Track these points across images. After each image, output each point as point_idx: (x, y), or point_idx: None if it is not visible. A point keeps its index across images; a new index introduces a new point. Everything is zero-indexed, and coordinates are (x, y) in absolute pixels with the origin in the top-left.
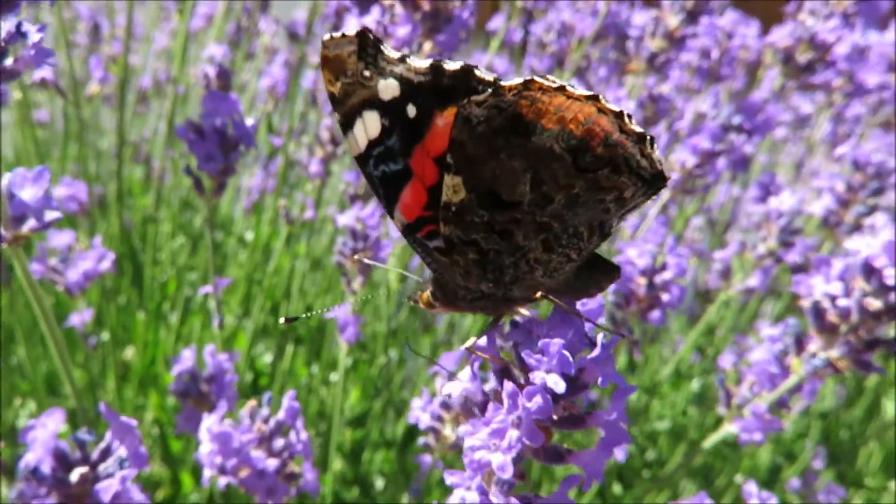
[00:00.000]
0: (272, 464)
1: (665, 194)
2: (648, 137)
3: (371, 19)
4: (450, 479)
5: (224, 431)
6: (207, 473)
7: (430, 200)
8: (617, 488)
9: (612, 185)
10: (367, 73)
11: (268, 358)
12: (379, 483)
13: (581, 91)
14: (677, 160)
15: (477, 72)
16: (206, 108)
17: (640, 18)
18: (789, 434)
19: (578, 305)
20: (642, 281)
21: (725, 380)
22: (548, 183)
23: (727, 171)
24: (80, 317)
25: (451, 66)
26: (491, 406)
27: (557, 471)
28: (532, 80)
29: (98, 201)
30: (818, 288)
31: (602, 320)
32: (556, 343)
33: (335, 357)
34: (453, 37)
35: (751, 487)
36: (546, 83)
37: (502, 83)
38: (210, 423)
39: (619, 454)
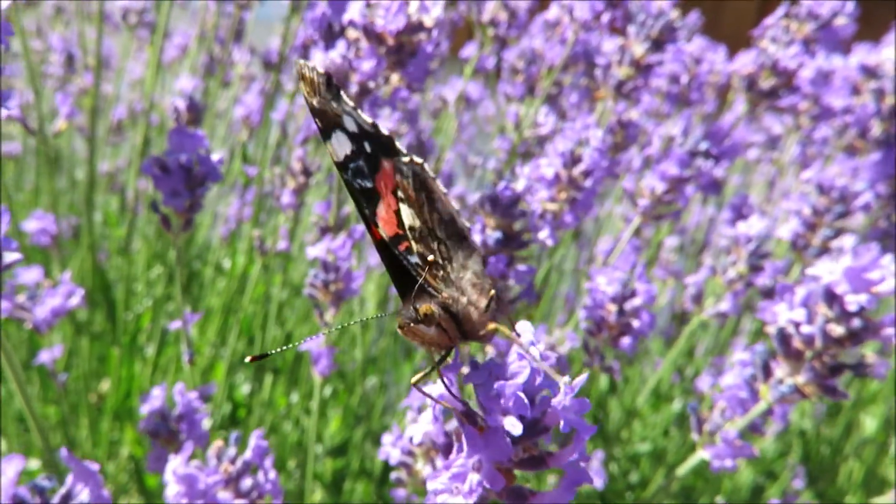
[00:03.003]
0: None
1: (636, 220)
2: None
3: (337, 53)
4: None
5: (189, 473)
6: None
7: (398, 222)
8: None
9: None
10: (333, 105)
11: (246, 388)
12: None
13: (433, 177)
14: (646, 186)
15: (396, 143)
16: (172, 145)
17: (609, 46)
18: (770, 453)
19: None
20: (612, 308)
21: (698, 406)
22: (451, 237)
23: (699, 195)
24: (51, 353)
25: (384, 131)
26: (455, 447)
27: None
28: (417, 161)
29: (73, 233)
30: (782, 315)
31: (553, 357)
32: (511, 385)
33: (313, 386)
34: (420, 69)
35: None
36: (427, 169)
37: (409, 156)
38: (176, 465)
39: (598, 482)
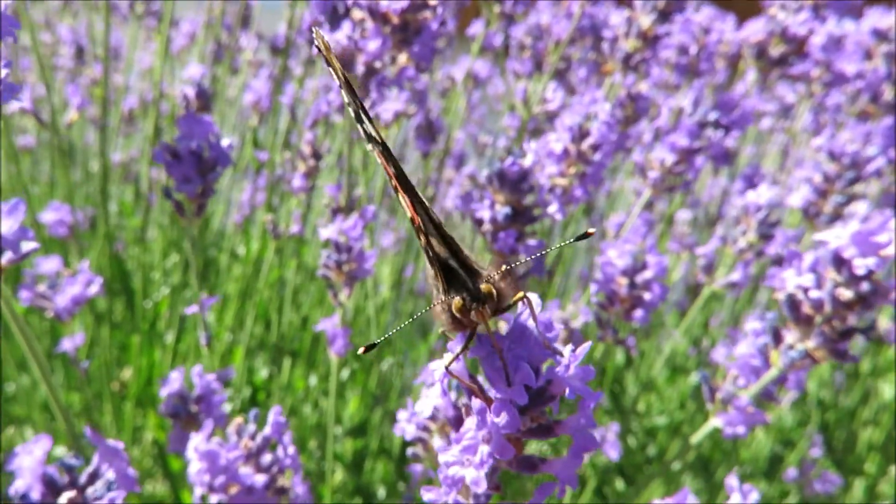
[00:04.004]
0: (260, 479)
1: (647, 192)
2: None
3: (342, 34)
4: (427, 495)
5: (211, 450)
6: (198, 492)
7: None
8: (619, 484)
9: None
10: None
11: (265, 372)
12: (381, 492)
13: None
14: (656, 158)
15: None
16: (182, 131)
17: (617, 19)
18: (789, 423)
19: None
20: (623, 281)
21: (709, 375)
22: None
23: (712, 167)
24: (72, 341)
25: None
26: (465, 421)
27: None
28: None
29: (90, 223)
30: (791, 281)
31: (559, 329)
32: (516, 356)
33: (330, 368)
34: (426, 48)
35: (732, 481)
36: None
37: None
38: (197, 443)
39: (613, 454)
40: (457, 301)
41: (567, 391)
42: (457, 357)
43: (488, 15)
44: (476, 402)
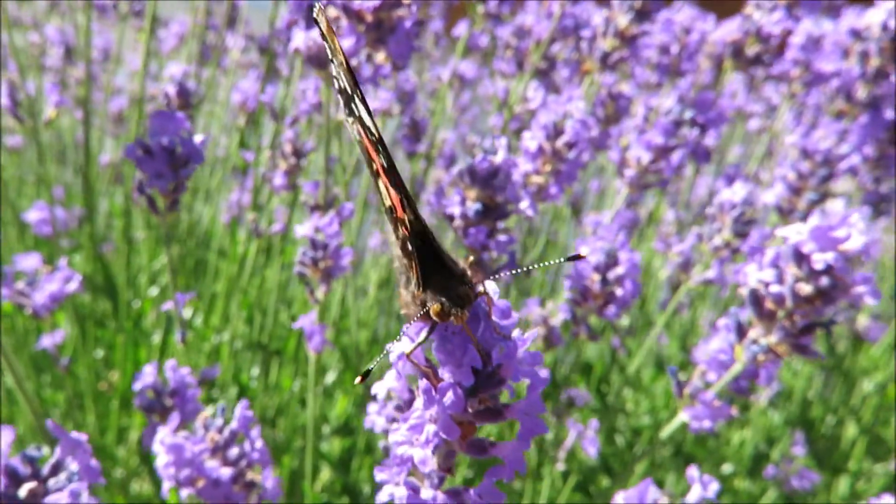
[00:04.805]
0: (226, 473)
1: (624, 191)
2: None
3: (317, 32)
4: (379, 475)
5: (176, 443)
6: (166, 486)
7: None
8: (605, 482)
9: None
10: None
11: (254, 371)
12: (367, 490)
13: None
14: (633, 157)
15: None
16: (154, 127)
17: (599, 18)
18: (775, 422)
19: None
20: (596, 277)
21: (677, 370)
22: None
23: (702, 165)
24: (52, 338)
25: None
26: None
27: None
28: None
29: (80, 223)
30: (752, 275)
31: (516, 317)
32: (465, 339)
33: (321, 366)
34: (403, 46)
35: (692, 472)
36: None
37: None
38: (163, 436)
39: (592, 450)
40: (436, 307)
41: (514, 375)
42: (418, 346)
43: (473, 15)
44: (423, 382)
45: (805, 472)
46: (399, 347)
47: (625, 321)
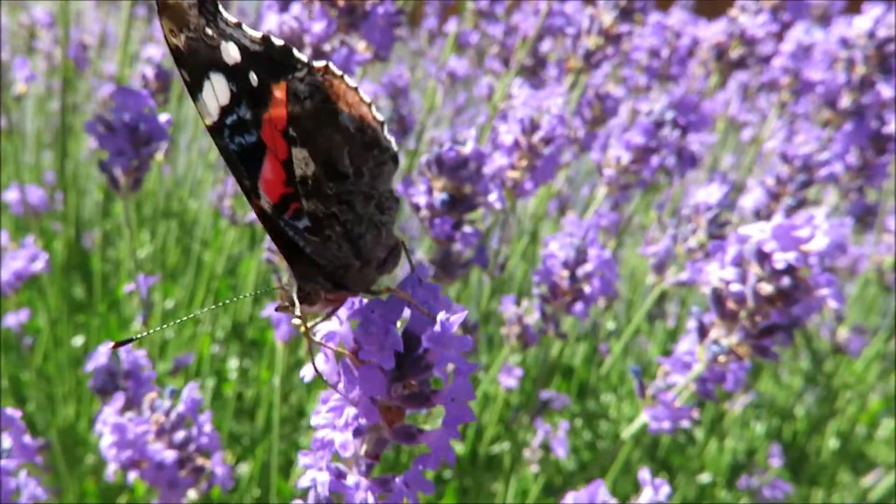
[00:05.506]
0: (170, 455)
1: (602, 190)
2: (385, 123)
3: (289, 16)
4: (303, 459)
5: (119, 423)
6: (111, 468)
7: (288, 177)
8: (582, 485)
9: (383, 160)
10: (209, 32)
11: (233, 363)
12: None
13: (350, 81)
14: (613, 156)
15: (295, 52)
16: (116, 103)
17: (584, 16)
18: (757, 432)
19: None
20: (565, 274)
21: (640, 370)
22: (357, 157)
23: (694, 172)
24: (17, 317)
25: (278, 41)
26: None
27: None
28: (328, 65)
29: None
30: (714, 274)
31: (446, 301)
32: (384, 321)
33: (298, 360)
34: (382, 35)
35: (644, 475)
36: (336, 70)
37: (312, 63)
38: (106, 415)
39: (561, 451)
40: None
41: (439, 360)
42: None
43: (463, 11)
44: (345, 365)
45: (777, 483)
46: (327, 326)
47: (611, 325)
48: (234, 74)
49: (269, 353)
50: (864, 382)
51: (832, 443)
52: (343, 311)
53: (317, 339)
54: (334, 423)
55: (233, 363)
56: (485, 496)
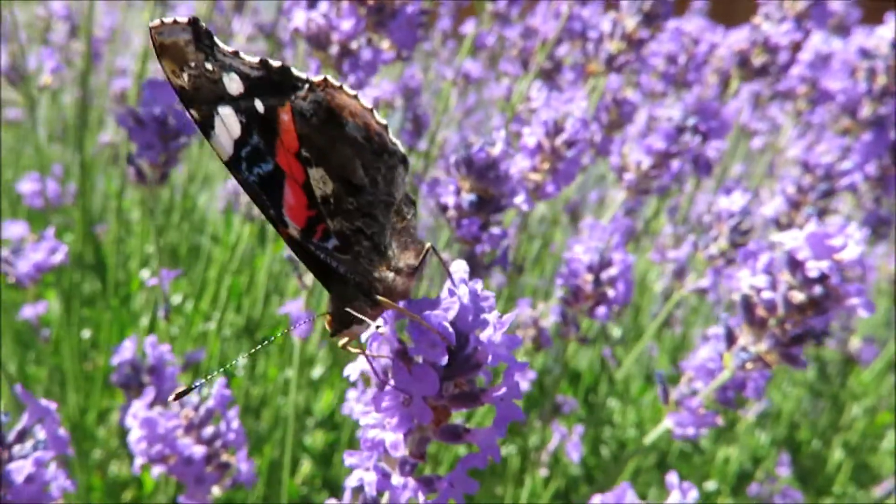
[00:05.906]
0: (199, 451)
1: (621, 194)
2: (388, 126)
3: (318, 13)
4: (349, 459)
5: (150, 417)
6: (138, 462)
7: (310, 199)
8: (585, 489)
9: (393, 164)
10: (209, 66)
11: (241, 360)
12: None
13: (349, 90)
14: (633, 161)
15: (293, 70)
16: (146, 97)
17: (606, 20)
18: (762, 441)
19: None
20: (589, 277)
21: (665, 375)
22: (369, 166)
23: (694, 178)
24: (34, 309)
25: (275, 63)
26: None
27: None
28: (326, 79)
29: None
30: (745, 281)
31: (492, 298)
32: (436, 316)
33: (308, 358)
34: (407, 33)
35: (672, 478)
36: (335, 82)
37: (311, 79)
38: (136, 409)
39: (575, 455)
40: None
41: (490, 358)
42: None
43: (480, 13)
44: (396, 365)
45: (788, 491)
46: (372, 327)
47: (617, 332)
48: (240, 104)
49: (277, 350)
50: (872, 393)
51: (838, 454)
52: (388, 312)
53: (363, 339)
54: (384, 423)
55: (241, 360)
56: (489, 499)
